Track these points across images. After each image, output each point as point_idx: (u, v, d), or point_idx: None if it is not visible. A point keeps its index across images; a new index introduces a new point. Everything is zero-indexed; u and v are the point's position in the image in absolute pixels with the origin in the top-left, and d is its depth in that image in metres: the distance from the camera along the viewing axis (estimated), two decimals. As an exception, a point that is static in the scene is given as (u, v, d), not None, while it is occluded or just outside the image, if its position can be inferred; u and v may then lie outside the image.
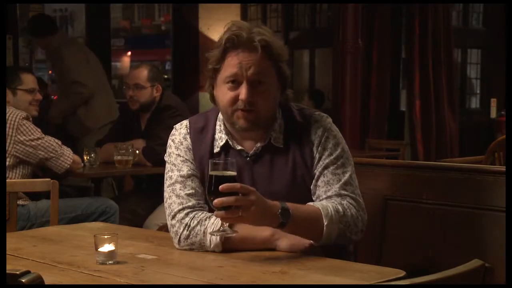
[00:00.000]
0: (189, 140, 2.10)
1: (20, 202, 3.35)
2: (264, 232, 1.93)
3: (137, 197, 4.25)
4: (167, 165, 2.11)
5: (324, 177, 2.03)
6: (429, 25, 6.91)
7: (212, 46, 2.08)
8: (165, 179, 2.09)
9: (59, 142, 3.67)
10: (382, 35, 6.96)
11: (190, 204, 2.01)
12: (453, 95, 7.25)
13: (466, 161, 4.32)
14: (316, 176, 2.04)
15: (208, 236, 1.94)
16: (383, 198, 2.40)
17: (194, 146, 2.09)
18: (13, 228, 2.84)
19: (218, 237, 1.92)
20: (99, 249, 1.80)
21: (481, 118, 8.66)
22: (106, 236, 1.82)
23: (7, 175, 3.47)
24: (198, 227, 1.96)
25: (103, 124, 5.36)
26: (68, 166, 3.67)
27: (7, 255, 1.81)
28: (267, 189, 1.92)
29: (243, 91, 1.98)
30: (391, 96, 7.25)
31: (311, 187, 2.05)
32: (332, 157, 2.04)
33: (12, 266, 1.43)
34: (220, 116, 2.11)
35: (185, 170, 2.06)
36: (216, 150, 2.08)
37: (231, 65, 1.99)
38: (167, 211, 2.04)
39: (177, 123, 2.17)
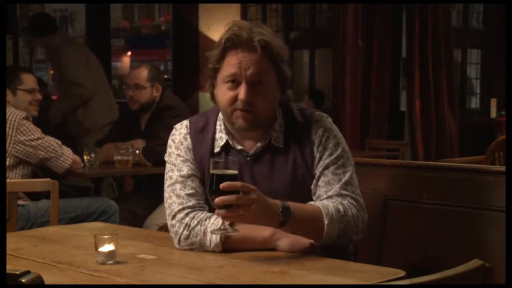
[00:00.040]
0: (189, 140, 2.10)
1: (20, 202, 3.35)
2: (264, 232, 1.93)
3: (137, 197, 4.25)
4: (167, 165, 2.11)
5: (324, 177, 2.03)
6: (429, 25, 6.91)
7: (212, 46, 2.08)
8: (165, 179, 2.09)
9: (59, 142, 3.67)
10: (382, 35, 6.95)
11: (190, 204, 2.01)
12: (453, 95, 7.24)
13: (466, 161, 4.32)
14: (316, 176, 2.04)
15: (208, 236, 1.94)
16: (383, 198, 2.40)
17: (194, 146, 2.08)
18: (13, 228, 2.84)
19: (218, 237, 1.92)
20: (99, 249, 1.80)
21: (481, 118, 8.65)
22: (106, 236, 1.82)
23: (7, 175, 3.47)
24: (198, 227, 1.96)
25: (103, 124, 5.36)
26: (68, 166, 3.67)
27: (7, 255, 1.81)
28: (267, 189, 1.91)
29: (242, 91, 1.98)
30: (391, 96, 7.25)
31: (312, 187, 2.05)
32: (332, 157, 2.04)
33: (12, 266, 1.43)
34: (220, 116, 2.11)
35: (185, 170, 2.06)
36: (216, 150, 2.08)
37: (231, 64, 1.99)
38: (167, 211, 2.04)
39: (177, 123, 2.17)
